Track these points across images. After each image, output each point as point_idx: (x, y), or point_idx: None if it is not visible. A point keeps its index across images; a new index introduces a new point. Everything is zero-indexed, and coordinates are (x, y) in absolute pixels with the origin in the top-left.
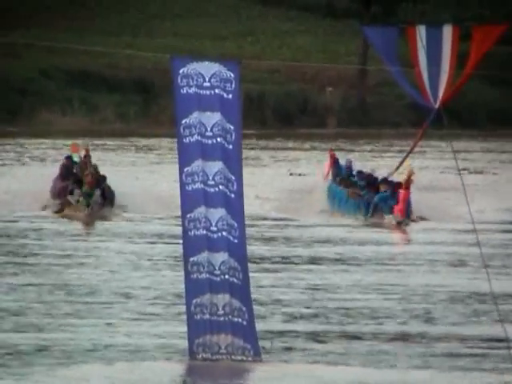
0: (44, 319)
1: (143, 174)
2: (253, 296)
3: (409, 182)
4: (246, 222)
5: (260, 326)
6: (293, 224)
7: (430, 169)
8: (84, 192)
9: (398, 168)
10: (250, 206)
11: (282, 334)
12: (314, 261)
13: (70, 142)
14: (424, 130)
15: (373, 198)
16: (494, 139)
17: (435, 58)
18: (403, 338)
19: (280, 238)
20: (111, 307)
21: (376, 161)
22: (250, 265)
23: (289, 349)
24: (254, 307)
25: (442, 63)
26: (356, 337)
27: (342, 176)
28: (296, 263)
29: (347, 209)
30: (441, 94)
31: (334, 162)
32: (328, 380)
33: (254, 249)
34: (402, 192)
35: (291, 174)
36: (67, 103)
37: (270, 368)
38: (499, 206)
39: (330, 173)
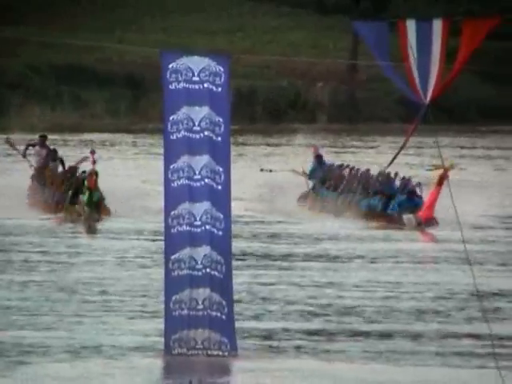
0: (24, 317)
1: (121, 171)
2: (260, 294)
3: (444, 177)
4: (245, 220)
5: (259, 323)
6: (291, 222)
7: (410, 165)
8: (88, 194)
9: (390, 164)
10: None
11: (285, 331)
12: (318, 259)
13: (58, 137)
14: (416, 126)
15: (384, 201)
16: (470, 135)
17: (426, 53)
18: (408, 336)
19: (281, 235)
20: (91, 304)
21: (365, 156)
22: (251, 262)
23: (298, 347)
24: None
25: (433, 58)
26: (351, 334)
27: (321, 174)
28: (299, 261)
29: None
30: (431, 89)
31: (317, 158)
32: (300, 372)
33: (256, 246)
34: (433, 190)
35: (262, 170)
36: (57, 98)
37: (249, 363)
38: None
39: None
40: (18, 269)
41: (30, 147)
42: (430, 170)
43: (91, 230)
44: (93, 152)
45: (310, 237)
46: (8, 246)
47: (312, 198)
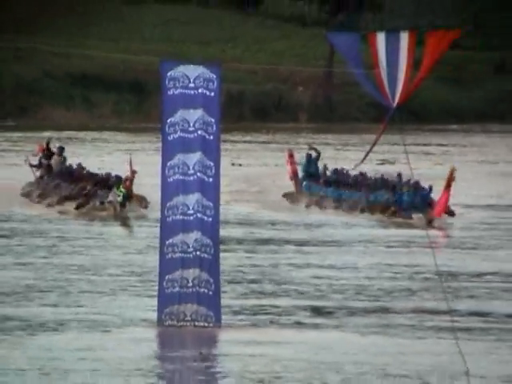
0: (32, 294)
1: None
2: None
3: (451, 179)
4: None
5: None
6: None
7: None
8: (121, 193)
9: (362, 161)
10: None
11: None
12: (319, 244)
13: (69, 134)
14: (385, 126)
15: (390, 195)
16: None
17: (393, 62)
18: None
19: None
20: (99, 282)
21: (340, 152)
22: (262, 247)
23: (298, 323)
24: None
25: (400, 66)
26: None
27: (312, 173)
28: (305, 245)
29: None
30: (398, 93)
31: (307, 156)
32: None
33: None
34: (444, 192)
35: (233, 164)
36: (69, 101)
37: (234, 333)
38: None
39: (299, 171)
40: (46, 252)
41: (35, 168)
42: (381, 164)
43: (125, 224)
44: (131, 165)
45: (311, 226)
46: (37, 233)
47: (304, 195)
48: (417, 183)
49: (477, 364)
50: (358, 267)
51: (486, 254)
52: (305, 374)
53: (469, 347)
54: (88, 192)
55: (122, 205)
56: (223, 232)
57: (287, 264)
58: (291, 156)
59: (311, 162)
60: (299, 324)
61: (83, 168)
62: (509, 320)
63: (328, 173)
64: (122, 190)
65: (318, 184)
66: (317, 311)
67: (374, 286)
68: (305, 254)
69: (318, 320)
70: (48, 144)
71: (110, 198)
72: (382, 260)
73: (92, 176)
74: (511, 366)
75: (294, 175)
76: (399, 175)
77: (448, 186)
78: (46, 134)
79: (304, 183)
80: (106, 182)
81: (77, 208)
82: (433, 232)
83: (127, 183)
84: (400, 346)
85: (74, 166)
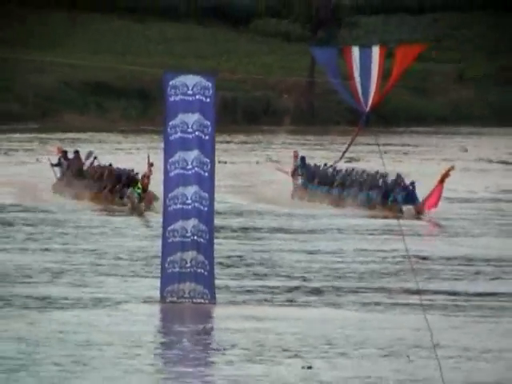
0: (42, 275)
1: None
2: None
3: (446, 176)
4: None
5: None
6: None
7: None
8: (138, 190)
9: (340, 158)
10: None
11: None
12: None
13: (83, 136)
14: (359, 128)
15: (382, 195)
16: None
17: (366, 72)
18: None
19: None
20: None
21: (320, 151)
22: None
23: (291, 300)
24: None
25: (372, 76)
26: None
27: (304, 172)
28: (295, 233)
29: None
30: (370, 100)
31: (302, 159)
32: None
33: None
34: (437, 186)
35: (219, 162)
36: (84, 107)
37: (224, 310)
38: None
39: (297, 171)
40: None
41: (55, 167)
42: (349, 161)
43: (141, 215)
44: (149, 160)
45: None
46: (58, 223)
47: (303, 192)
48: (404, 180)
49: (446, 336)
50: (342, 252)
51: (454, 241)
52: (294, 344)
53: (438, 322)
54: (109, 188)
55: (140, 200)
56: (222, 221)
57: (279, 250)
58: (296, 156)
59: (304, 164)
60: (290, 302)
61: (100, 166)
62: (472, 298)
63: (322, 172)
64: (140, 186)
65: (312, 182)
66: (305, 290)
67: (357, 268)
68: (296, 241)
69: (306, 298)
70: (92, 158)
71: (129, 193)
72: (364, 246)
73: (110, 173)
74: (475, 338)
75: (294, 172)
76: (377, 172)
77: (442, 182)
78: (64, 135)
79: (301, 181)
80: (122, 179)
81: (98, 201)
82: (407, 221)
83: (145, 180)
84: (379, 320)
85: (89, 164)
